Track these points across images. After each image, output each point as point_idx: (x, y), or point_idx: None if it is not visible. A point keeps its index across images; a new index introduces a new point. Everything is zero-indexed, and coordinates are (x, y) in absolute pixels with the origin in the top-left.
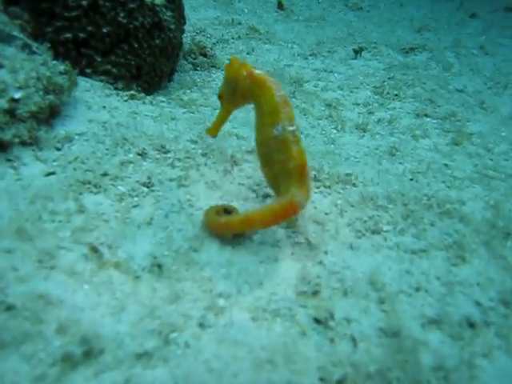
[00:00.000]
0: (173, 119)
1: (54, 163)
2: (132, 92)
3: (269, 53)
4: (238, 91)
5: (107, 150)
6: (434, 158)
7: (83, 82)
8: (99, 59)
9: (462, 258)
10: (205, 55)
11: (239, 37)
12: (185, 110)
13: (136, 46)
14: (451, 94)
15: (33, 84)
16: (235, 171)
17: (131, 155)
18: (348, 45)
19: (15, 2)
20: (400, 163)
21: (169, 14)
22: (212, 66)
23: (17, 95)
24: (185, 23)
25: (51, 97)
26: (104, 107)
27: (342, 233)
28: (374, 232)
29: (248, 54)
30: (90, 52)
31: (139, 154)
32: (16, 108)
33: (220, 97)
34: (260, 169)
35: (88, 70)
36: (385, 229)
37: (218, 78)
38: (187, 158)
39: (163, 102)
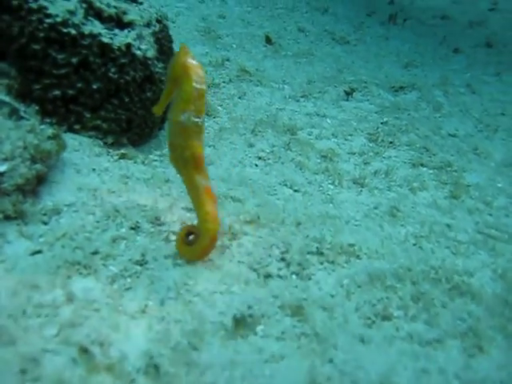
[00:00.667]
0: (166, 181)
1: (41, 239)
2: (122, 151)
3: (260, 96)
4: (173, 72)
5: (97, 222)
6: (434, 217)
7: (71, 140)
8: (88, 115)
9: (479, 348)
10: None
11: (230, 80)
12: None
13: (127, 100)
14: (444, 140)
15: (19, 154)
16: (234, 247)
17: (123, 230)
18: (338, 84)
19: (2, 57)
20: (402, 225)
21: (160, 65)
22: (206, 114)
23: (1, 168)
24: None
25: (38, 166)
26: (94, 170)
27: (351, 321)
28: (384, 318)
29: (240, 98)
30: (78, 109)
31: (132, 228)
32: (1, 182)
33: (167, 79)
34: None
35: (77, 126)
36: (395, 314)
37: (210, 127)
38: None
39: (155, 160)
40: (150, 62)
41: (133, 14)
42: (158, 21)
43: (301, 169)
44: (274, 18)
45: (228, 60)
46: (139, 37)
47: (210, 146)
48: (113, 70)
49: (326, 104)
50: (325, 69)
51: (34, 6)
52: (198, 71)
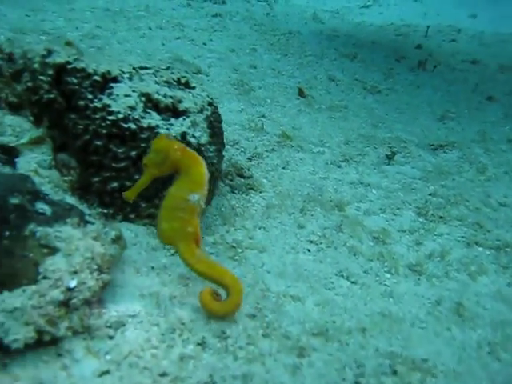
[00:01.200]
0: None
1: (108, 357)
2: None
3: (303, 164)
4: (168, 161)
5: (163, 335)
6: (504, 314)
7: (128, 232)
8: (144, 205)
9: None
10: (242, 176)
11: (273, 149)
12: (234, 262)
13: None
14: (497, 213)
15: (87, 266)
16: (304, 365)
17: (191, 347)
18: (377, 144)
19: (63, 148)
20: (471, 328)
21: (212, 149)
22: (250, 189)
23: (71, 284)
24: (224, 147)
25: (105, 276)
26: (152, 268)
27: None
28: None
29: (284, 168)
30: (135, 199)
31: (199, 344)
32: (71, 298)
33: (145, 165)
34: (158, 218)
35: (132, 216)
36: None
37: (257, 203)
38: (248, 344)
39: (211, 253)
40: (203, 148)
41: (187, 101)
42: (210, 104)
43: (354, 254)
44: (303, 66)
45: (263, 116)
46: (193, 124)
47: (260, 228)
48: None
49: (368, 169)
50: (360, 124)
51: (98, 104)
52: (202, 159)
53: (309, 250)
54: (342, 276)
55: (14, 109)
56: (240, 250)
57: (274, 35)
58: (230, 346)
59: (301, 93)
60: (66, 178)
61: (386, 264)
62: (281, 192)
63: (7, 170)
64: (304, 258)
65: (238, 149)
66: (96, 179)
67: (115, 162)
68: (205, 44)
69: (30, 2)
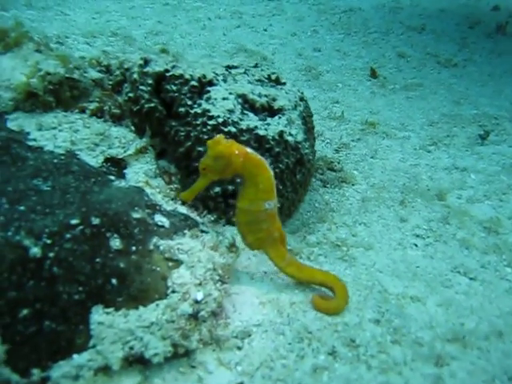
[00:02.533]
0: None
1: (239, 368)
2: (289, 247)
3: (391, 152)
4: (229, 168)
5: (290, 344)
6: None
7: (235, 237)
8: None
9: None
10: (332, 169)
11: (359, 138)
12: (344, 263)
13: (281, 187)
14: None
15: (210, 277)
16: (446, 376)
17: (322, 357)
18: (465, 124)
19: (161, 154)
20: None
21: (307, 145)
22: (342, 182)
23: (199, 296)
24: (315, 141)
25: (226, 285)
26: (265, 273)
27: None
28: None
29: (373, 157)
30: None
31: (330, 354)
32: (199, 310)
33: (203, 169)
34: (239, 231)
35: (235, 219)
36: None
37: (351, 197)
38: (380, 352)
39: (320, 255)
40: (300, 146)
41: (281, 99)
42: (301, 99)
43: (467, 248)
44: (368, 44)
45: (337, 102)
46: (289, 122)
47: (360, 224)
48: (268, 160)
49: (460, 152)
50: (440, 103)
51: (198, 110)
52: (264, 161)
53: (416, 245)
54: (459, 272)
55: (117, 120)
56: (345, 249)
57: (334, 14)
58: (361, 355)
59: (373, 73)
60: (171, 186)
61: (504, 257)
62: (375, 184)
63: (123, 183)
64: (413, 254)
65: (323, 140)
66: None
67: None
68: (265, 30)
69: (94, 4)
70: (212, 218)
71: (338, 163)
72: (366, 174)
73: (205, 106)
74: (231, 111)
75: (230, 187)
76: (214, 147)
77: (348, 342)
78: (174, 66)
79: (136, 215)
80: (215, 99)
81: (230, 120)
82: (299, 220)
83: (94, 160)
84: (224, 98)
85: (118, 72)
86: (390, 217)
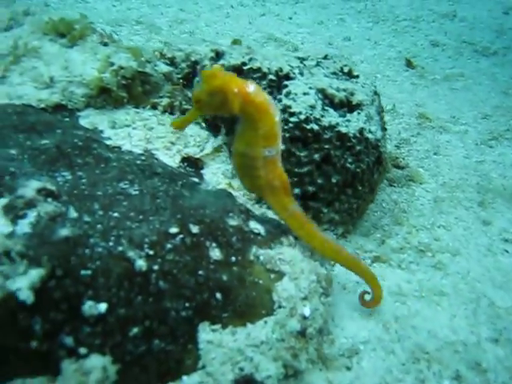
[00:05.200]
0: (442, 295)
1: None
2: (374, 253)
3: (453, 147)
4: (225, 105)
5: (403, 365)
6: None
7: None
8: (325, 210)
9: None
10: (398, 167)
11: (418, 133)
12: (438, 271)
13: (360, 188)
14: None
15: (314, 289)
16: None
17: (446, 382)
18: None
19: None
20: None
21: (383, 142)
22: (409, 180)
23: (306, 312)
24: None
25: (329, 299)
26: (357, 283)
27: None
28: None
29: (436, 154)
30: (317, 205)
31: (454, 379)
32: (306, 327)
33: (197, 101)
34: (237, 173)
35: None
36: None
37: (421, 197)
38: None
39: (411, 262)
40: (380, 144)
41: (359, 93)
42: (375, 92)
43: None
44: (399, 33)
45: (380, 95)
46: (368, 118)
47: (439, 227)
48: (350, 159)
49: None
50: (488, 94)
51: (279, 106)
52: (270, 100)
53: (507, 251)
54: None
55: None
56: (430, 254)
57: (359, 1)
58: (492, 381)
59: (409, 64)
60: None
61: None
62: (445, 182)
63: (210, 186)
64: (506, 261)
65: None
66: None
67: (298, 167)
68: (290, 18)
69: None
70: None
71: (403, 160)
72: (433, 172)
73: (285, 101)
74: (313, 107)
75: (310, 188)
76: (209, 81)
77: (473, 365)
78: (251, 59)
79: (232, 222)
80: (295, 94)
81: (312, 117)
82: (368, 221)
83: (171, 160)
84: (305, 93)
85: (183, 65)
86: (470, 219)
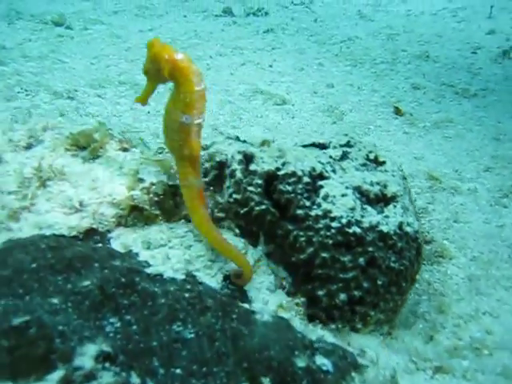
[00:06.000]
0: None
1: None
2: (435, 363)
3: (470, 212)
4: (160, 72)
5: None
6: None
7: (368, 351)
8: (372, 313)
9: None
10: (424, 242)
11: (433, 197)
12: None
13: (404, 284)
14: None
15: None
16: None
17: None
18: None
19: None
20: None
21: (420, 232)
22: (439, 256)
23: None
24: None
25: None
26: None
27: None
28: None
29: (455, 221)
30: (364, 308)
31: None
32: None
33: (146, 73)
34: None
35: (359, 325)
36: None
37: (454, 275)
38: None
39: (476, 370)
40: (418, 236)
41: (392, 184)
42: (404, 177)
43: None
44: (379, 76)
45: (375, 147)
46: (404, 210)
47: (484, 313)
48: (393, 258)
49: None
50: (481, 141)
51: (319, 212)
52: (195, 70)
53: None
54: None
55: (217, 222)
56: (487, 352)
57: (333, 44)
58: None
59: (398, 111)
60: (297, 301)
61: None
62: (475, 257)
63: (265, 317)
64: None
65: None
66: (322, 293)
67: (343, 273)
68: (271, 66)
69: (88, 48)
70: (333, 327)
71: (429, 233)
72: (460, 244)
73: (325, 205)
74: (353, 209)
75: (357, 293)
76: (149, 50)
77: None
78: (284, 163)
79: (300, 363)
80: (334, 196)
81: (353, 219)
82: (405, 307)
83: (213, 280)
84: (343, 195)
85: (207, 165)
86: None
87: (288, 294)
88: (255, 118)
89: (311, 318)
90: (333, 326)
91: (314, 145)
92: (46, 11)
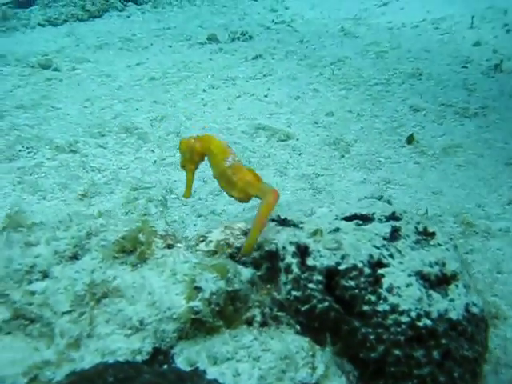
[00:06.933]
0: None
1: None
2: None
3: (509, 259)
4: (194, 155)
5: None
6: None
7: None
8: None
9: None
10: None
11: (471, 248)
12: None
13: (478, 370)
14: None
15: None
16: None
17: None
18: None
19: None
20: None
21: (484, 310)
22: (493, 318)
23: None
24: None
25: None
26: None
27: None
28: None
29: (499, 272)
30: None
31: None
32: None
33: (183, 166)
34: (227, 193)
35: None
36: None
37: (497, 336)
38: None
39: None
40: (484, 314)
41: (450, 261)
42: (455, 247)
43: None
44: (376, 99)
45: (389, 182)
46: (467, 288)
47: None
48: (465, 345)
49: None
50: (495, 168)
51: (386, 307)
52: (212, 136)
53: None
54: None
55: (275, 319)
56: None
57: (324, 67)
58: None
59: (410, 141)
60: None
61: None
62: None
63: None
64: None
65: None
66: None
67: (417, 369)
68: (266, 96)
69: (79, 91)
70: None
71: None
72: (510, 300)
73: (391, 299)
74: (420, 300)
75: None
76: (180, 148)
77: None
78: (343, 256)
79: None
80: (398, 288)
81: (422, 311)
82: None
83: None
84: (408, 285)
85: (255, 254)
86: None
87: None
88: (263, 159)
89: None
90: None
91: (356, 217)
92: (31, 53)
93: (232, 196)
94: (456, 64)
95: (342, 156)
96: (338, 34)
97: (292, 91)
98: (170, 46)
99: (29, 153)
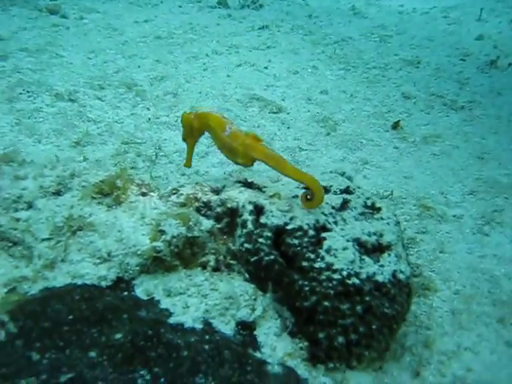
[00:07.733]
0: None
1: None
2: None
3: (454, 241)
4: (194, 129)
5: None
6: None
7: None
8: (366, 353)
9: None
10: (413, 275)
11: (424, 228)
12: None
13: (395, 326)
14: None
15: None
16: None
17: None
18: (507, 194)
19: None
20: None
21: (411, 277)
22: (425, 289)
23: None
24: None
25: None
26: None
27: None
28: None
29: (441, 252)
30: (360, 350)
31: None
32: None
33: (184, 139)
34: (233, 162)
35: (354, 363)
36: None
37: (439, 308)
38: None
39: None
40: (409, 281)
41: (387, 233)
42: (397, 223)
43: None
44: (371, 82)
45: (367, 163)
46: (398, 258)
47: (466, 349)
48: (387, 304)
49: None
50: (466, 160)
51: (322, 264)
52: (209, 111)
53: None
54: None
55: (229, 267)
56: None
57: (327, 45)
58: None
59: (396, 126)
60: (301, 345)
61: None
62: (458, 290)
63: (276, 368)
64: None
65: None
66: (323, 336)
67: (342, 319)
68: (266, 68)
69: (85, 41)
70: (331, 365)
71: (418, 268)
72: (444, 276)
73: (328, 259)
74: (352, 262)
75: (353, 336)
76: (182, 120)
77: None
78: (292, 218)
79: None
80: (336, 250)
81: (353, 271)
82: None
83: (227, 328)
84: (344, 248)
85: (219, 209)
86: (492, 339)
87: (291, 333)
88: (252, 129)
89: (312, 357)
90: (331, 365)
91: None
92: None
93: (238, 163)
94: (455, 56)
95: (328, 134)
96: (347, 12)
97: (292, 66)
98: (180, 6)
99: (29, 97)
